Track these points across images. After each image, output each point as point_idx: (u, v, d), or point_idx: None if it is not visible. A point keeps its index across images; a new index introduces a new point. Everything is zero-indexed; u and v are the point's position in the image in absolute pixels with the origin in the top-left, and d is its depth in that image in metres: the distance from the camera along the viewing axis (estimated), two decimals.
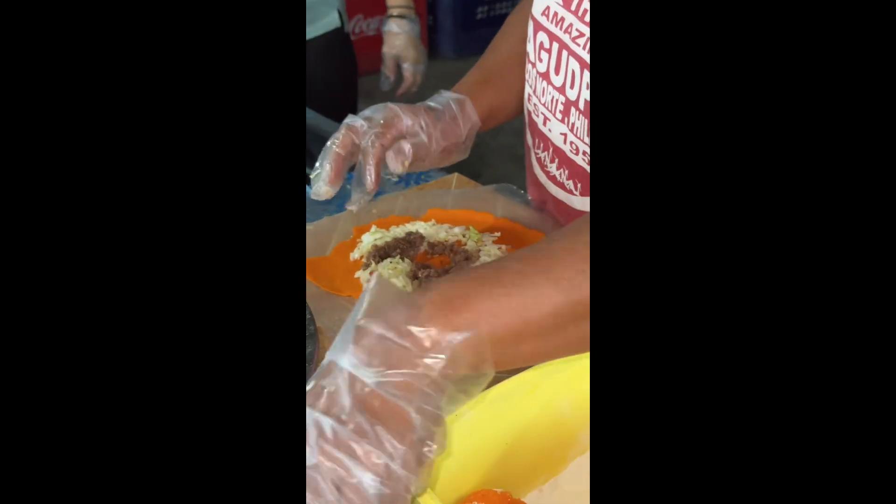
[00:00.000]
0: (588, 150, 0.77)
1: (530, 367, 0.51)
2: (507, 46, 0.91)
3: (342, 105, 1.41)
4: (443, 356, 0.43)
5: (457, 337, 0.43)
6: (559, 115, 0.80)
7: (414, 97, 1.45)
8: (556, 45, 0.78)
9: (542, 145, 0.86)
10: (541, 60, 0.82)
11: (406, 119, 0.78)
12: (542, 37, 0.81)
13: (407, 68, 1.55)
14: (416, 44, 1.54)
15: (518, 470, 0.55)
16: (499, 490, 0.52)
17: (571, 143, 0.79)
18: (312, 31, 1.44)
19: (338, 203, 0.98)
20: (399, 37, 1.53)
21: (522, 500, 0.53)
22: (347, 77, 1.52)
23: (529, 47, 0.84)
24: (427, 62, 1.60)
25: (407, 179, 1.04)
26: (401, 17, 1.52)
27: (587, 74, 0.74)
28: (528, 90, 0.87)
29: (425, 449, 0.42)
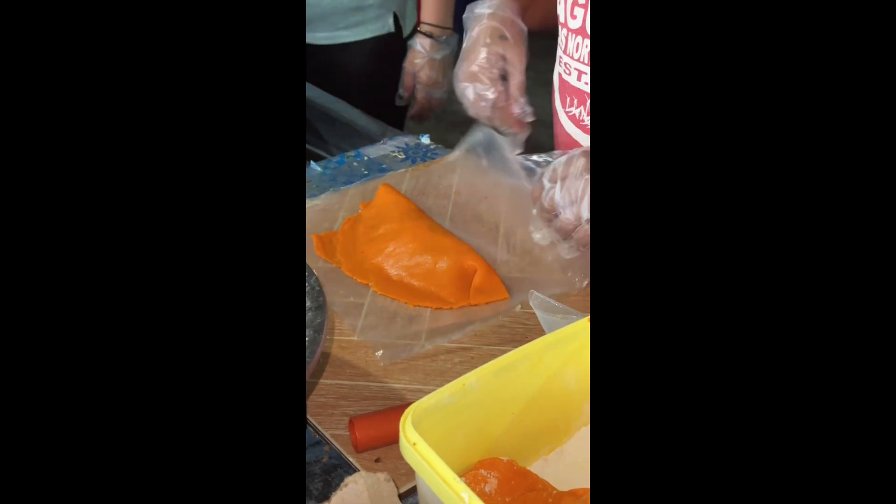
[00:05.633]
0: None
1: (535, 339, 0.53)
2: None
3: (383, 103, 1.36)
4: None
5: None
6: None
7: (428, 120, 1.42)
8: None
9: (575, 102, 0.89)
10: (574, 17, 0.85)
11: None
12: None
13: (420, 89, 1.39)
14: (436, 66, 1.38)
15: (524, 439, 0.56)
16: (504, 458, 0.53)
17: None
18: (361, 32, 1.38)
19: (343, 181, 0.98)
20: (420, 55, 1.36)
21: (528, 468, 0.55)
22: (396, 81, 1.41)
23: (560, 9, 0.87)
24: (449, 87, 1.30)
25: (413, 157, 1.05)
26: (428, 35, 1.36)
27: None
28: (556, 55, 0.91)
29: None
